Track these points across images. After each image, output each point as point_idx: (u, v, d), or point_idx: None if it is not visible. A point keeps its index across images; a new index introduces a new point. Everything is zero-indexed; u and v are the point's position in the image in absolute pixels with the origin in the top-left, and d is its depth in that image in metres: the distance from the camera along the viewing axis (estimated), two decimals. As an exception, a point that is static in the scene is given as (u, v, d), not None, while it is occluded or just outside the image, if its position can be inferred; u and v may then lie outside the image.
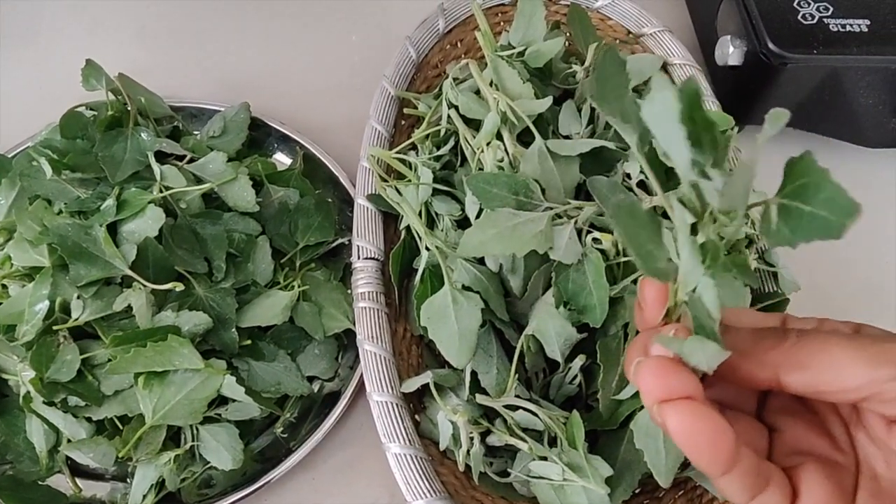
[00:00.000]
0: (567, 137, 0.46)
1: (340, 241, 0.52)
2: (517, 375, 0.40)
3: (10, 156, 0.53)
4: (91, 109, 0.51)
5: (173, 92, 0.58)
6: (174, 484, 0.43)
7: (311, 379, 0.48)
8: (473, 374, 0.40)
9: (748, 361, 0.25)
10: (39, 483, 0.43)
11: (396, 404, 0.40)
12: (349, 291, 0.49)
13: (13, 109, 0.62)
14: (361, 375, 0.46)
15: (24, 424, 0.42)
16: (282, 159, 0.57)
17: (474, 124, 0.45)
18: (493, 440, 0.40)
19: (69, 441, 0.42)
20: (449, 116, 0.46)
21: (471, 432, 0.39)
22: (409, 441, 0.39)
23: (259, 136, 0.57)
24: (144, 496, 0.42)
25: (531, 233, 0.38)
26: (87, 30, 0.67)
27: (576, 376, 0.40)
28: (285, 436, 0.46)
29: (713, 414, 0.23)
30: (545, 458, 0.37)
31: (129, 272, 0.42)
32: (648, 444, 0.36)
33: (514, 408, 0.39)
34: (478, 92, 0.46)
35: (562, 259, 0.38)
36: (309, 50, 0.67)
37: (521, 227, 0.38)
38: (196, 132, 0.55)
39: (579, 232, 0.39)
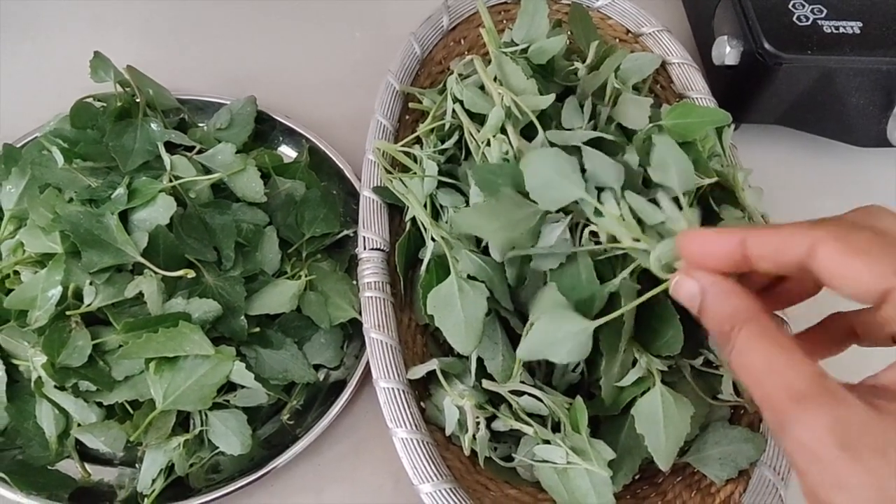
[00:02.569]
0: (569, 132, 0.47)
1: (345, 232, 0.53)
2: (521, 363, 0.41)
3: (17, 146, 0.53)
4: (99, 101, 0.52)
5: (177, 85, 0.59)
6: (183, 469, 0.43)
7: (317, 367, 0.48)
8: (479, 360, 0.41)
9: None
10: (49, 468, 0.44)
11: (403, 390, 0.40)
12: (354, 283, 0.50)
13: (17, 101, 0.62)
14: (366, 364, 0.47)
15: (34, 409, 0.43)
16: (287, 152, 0.57)
17: (478, 119, 0.46)
18: (497, 425, 0.41)
19: (79, 425, 0.42)
20: (454, 111, 0.47)
21: (477, 417, 0.40)
22: (416, 426, 0.39)
23: (264, 130, 0.57)
24: (153, 480, 0.42)
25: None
26: (90, 23, 0.68)
27: (578, 364, 0.42)
28: (292, 423, 0.47)
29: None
30: (549, 442, 0.38)
31: (141, 259, 0.43)
32: (649, 429, 0.37)
33: (520, 393, 0.40)
34: (482, 87, 0.47)
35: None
36: (312, 46, 0.68)
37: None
38: (202, 124, 0.56)
39: (576, 226, 0.40)
